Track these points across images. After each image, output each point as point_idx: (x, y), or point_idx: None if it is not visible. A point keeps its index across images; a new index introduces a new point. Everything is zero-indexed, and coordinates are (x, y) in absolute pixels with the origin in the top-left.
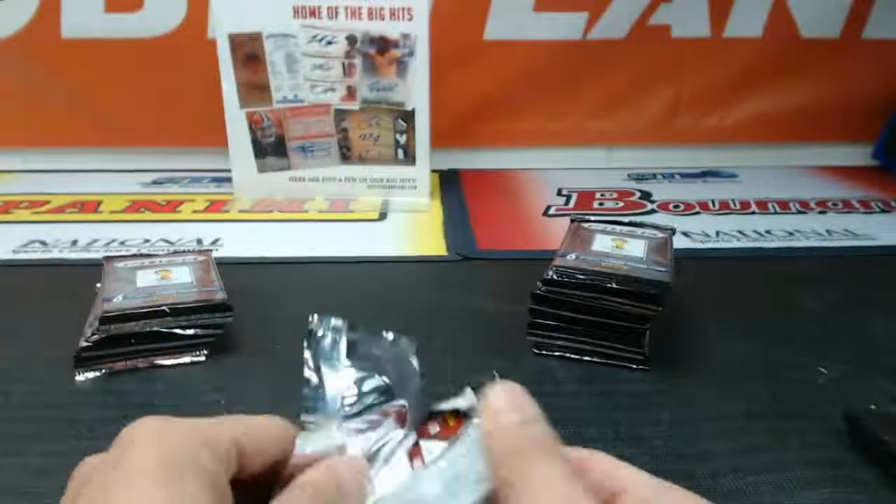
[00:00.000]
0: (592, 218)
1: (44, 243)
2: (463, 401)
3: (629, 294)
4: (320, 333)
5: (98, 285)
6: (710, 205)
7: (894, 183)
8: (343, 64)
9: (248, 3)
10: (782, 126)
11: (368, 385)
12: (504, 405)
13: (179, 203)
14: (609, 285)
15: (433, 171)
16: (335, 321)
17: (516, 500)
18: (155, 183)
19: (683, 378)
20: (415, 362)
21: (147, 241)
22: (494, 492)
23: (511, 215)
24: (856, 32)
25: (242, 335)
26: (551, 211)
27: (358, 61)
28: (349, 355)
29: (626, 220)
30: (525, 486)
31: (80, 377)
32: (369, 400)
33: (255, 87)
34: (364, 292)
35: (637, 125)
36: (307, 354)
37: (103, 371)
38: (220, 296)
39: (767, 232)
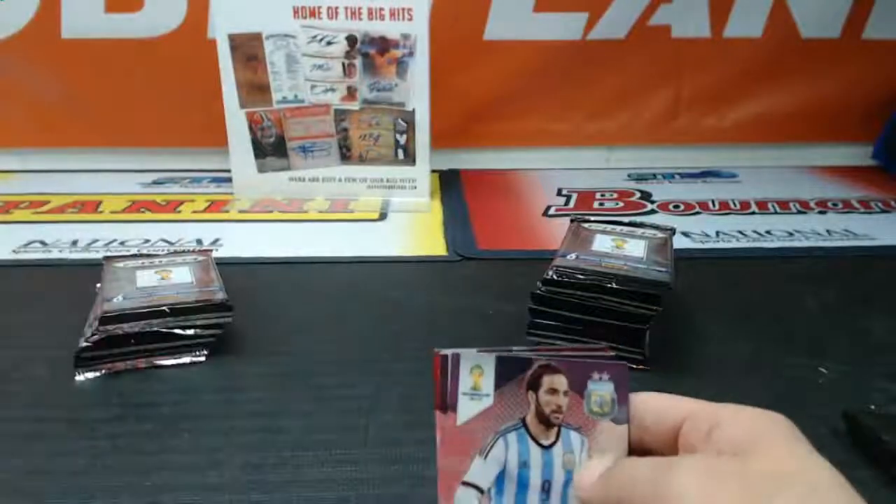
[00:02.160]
0: (592, 218)
1: (44, 243)
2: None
3: (629, 294)
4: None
5: (98, 285)
6: (710, 205)
7: (894, 183)
8: (343, 64)
9: (248, 3)
10: (782, 126)
11: None
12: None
13: (179, 203)
14: (609, 285)
15: (433, 171)
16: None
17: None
18: (155, 183)
19: (684, 378)
20: None
21: (147, 241)
22: None
23: (511, 215)
24: (856, 32)
25: (242, 335)
26: (551, 211)
27: (358, 61)
28: None
29: (626, 220)
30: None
31: (80, 377)
32: None
33: (255, 87)
34: (364, 292)
35: (637, 125)
36: None
37: (103, 371)
38: (220, 296)
39: (767, 232)
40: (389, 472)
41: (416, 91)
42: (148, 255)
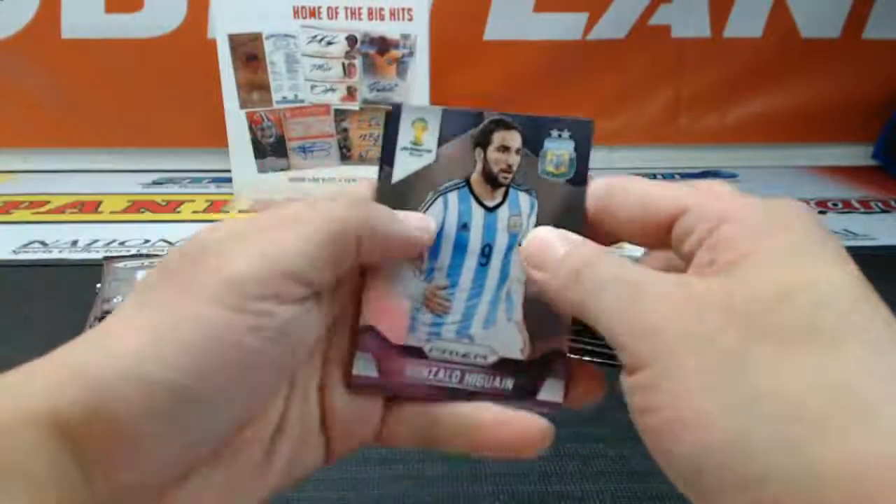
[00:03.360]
0: None
1: (44, 243)
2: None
3: None
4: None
5: (98, 286)
6: None
7: (894, 183)
8: (343, 64)
9: (248, 3)
10: (782, 126)
11: None
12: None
13: (179, 203)
14: None
15: None
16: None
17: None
18: (155, 183)
19: None
20: None
21: (147, 241)
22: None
23: None
24: (856, 32)
25: None
26: None
27: (358, 61)
28: None
29: None
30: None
31: None
32: None
33: (255, 87)
34: None
35: (637, 125)
36: None
37: None
38: None
39: None
40: (389, 472)
41: (416, 91)
42: (148, 256)
